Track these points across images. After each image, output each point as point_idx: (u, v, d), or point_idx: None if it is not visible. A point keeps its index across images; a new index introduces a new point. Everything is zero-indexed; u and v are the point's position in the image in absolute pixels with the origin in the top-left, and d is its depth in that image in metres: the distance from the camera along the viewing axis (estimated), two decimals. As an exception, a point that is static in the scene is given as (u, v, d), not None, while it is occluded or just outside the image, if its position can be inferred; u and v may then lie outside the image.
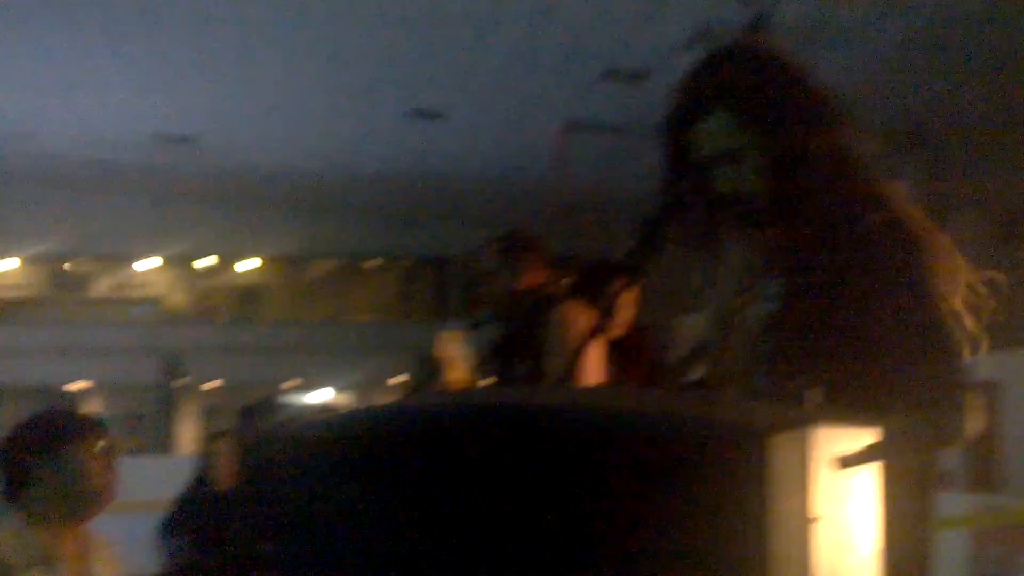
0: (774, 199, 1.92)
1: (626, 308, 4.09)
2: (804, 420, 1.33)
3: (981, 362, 1.86)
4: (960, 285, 1.89)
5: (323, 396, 23.75)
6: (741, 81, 1.92)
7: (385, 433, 1.39)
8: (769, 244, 1.96)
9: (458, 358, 4.00)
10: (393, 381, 23.91)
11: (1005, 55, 12.41)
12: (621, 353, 3.97)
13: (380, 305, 26.04)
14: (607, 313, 3.99)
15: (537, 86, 14.85)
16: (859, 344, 1.83)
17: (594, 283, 4.00)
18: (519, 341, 3.80)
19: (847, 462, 1.41)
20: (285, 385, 24.14)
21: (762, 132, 1.90)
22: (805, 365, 1.81)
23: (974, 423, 1.78)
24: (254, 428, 6.27)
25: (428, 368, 4.07)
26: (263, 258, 25.53)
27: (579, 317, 3.65)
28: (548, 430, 1.29)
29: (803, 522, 1.30)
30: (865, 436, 1.47)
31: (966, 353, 1.81)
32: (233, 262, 25.51)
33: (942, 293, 1.84)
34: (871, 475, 1.48)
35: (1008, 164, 14.49)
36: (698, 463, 1.28)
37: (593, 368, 3.53)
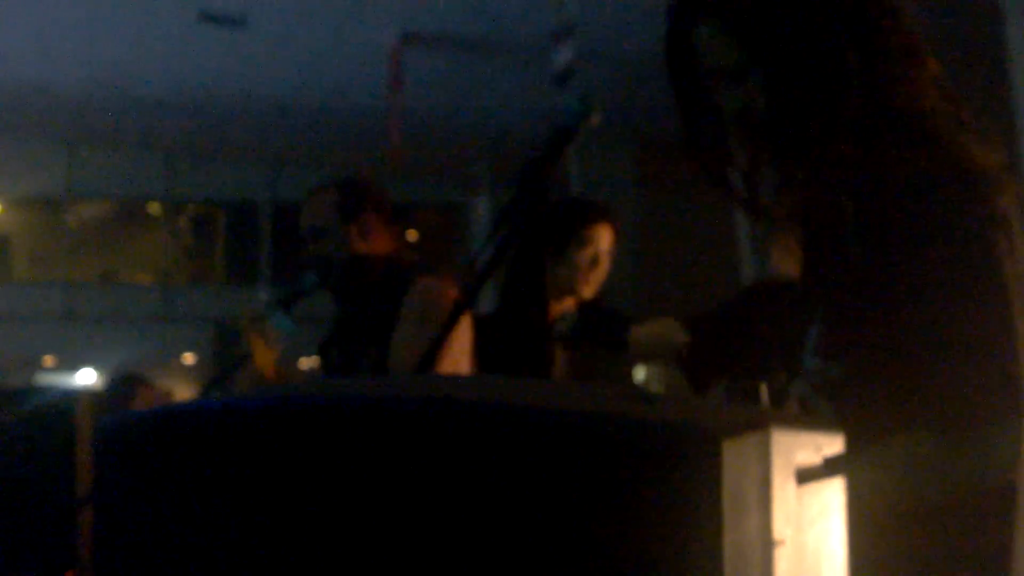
0: (788, 130, 1.90)
1: (601, 260, 4.06)
2: (764, 421, 1.36)
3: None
4: None
5: (86, 378, 23.34)
6: None
7: (262, 437, 1.37)
8: (790, 188, 1.94)
9: (266, 341, 3.93)
10: (183, 359, 23.62)
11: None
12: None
13: (163, 262, 25.65)
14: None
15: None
16: (902, 324, 1.78)
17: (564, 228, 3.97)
18: (365, 322, 3.77)
19: (811, 474, 1.45)
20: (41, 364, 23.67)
21: (762, 49, 1.89)
22: (826, 348, 1.76)
23: None
24: (7, 419, 6.17)
25: (234, 351, 4.00)
26: (7, 200, 24.89)
27: (446, 294, 3.64)
28: (469, 433, 1.30)
29: (765, 546, 1.33)
30: (831, 443, 1.51)
31: None
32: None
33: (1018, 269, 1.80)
34: (838, 493, 1.53)
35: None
36: (634, 473, 1.29)
37: (461, 361, 3.53)
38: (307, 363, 17.73)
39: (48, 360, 24.21)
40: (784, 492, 1.37)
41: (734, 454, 1.28)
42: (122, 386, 7.01)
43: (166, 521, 1.40)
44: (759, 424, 1.34)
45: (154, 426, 1.45)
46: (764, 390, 1.54)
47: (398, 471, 1.34)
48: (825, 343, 1.79)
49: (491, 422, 1.32)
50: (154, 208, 25.68)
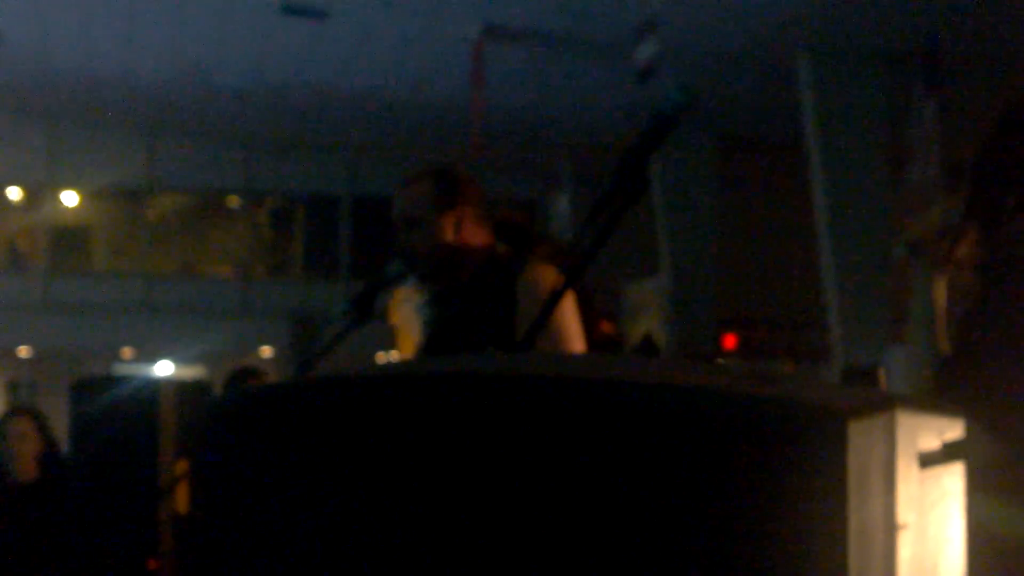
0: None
1: None
2: (890, 403, 1.35)
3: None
4: None
5: (164, 369, 23.53)
6: None
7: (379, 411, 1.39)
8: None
9: (410, 325, 3.93)
10: (261, 352, 23.75)
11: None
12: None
13: (242, 255, 25.78)
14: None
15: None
16: None
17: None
18: (474, 312, 3.74)
19: (933, 458, 1.44)
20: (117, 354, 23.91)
21: None
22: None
23: None
24: (92, 408, 6.26)
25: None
26: (88, 191, 25.09)
27: (550, 279, 3.60)
28: (596, 409, 1.31)
29: (888, 530, 1.33)
30: (953, 428, 1.50)
31: None
32: (49, 195, 25.01)
33: None
34: (958, 478, 1.52)
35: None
36: (760, 452, 1.29)
37: (574, 341, 3.51)
38: (384, 358, 17.80)
39: (126, 351, 24.43)
40: (908, 475, 1.36)
41: (860, 435, 1.28)
42: (239, 378, 7.10)
43: (289, 488, 1.42)
44: (885, 406, 1.33)
45: (281, 399, 1.47)
46: (883, 375, 1.54)
47: (524, 445, 1.35)
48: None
49: (615, 400, 1.33)
50: (233, 201, 25.83)
